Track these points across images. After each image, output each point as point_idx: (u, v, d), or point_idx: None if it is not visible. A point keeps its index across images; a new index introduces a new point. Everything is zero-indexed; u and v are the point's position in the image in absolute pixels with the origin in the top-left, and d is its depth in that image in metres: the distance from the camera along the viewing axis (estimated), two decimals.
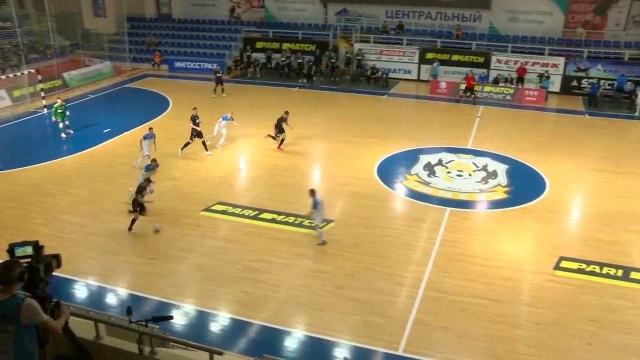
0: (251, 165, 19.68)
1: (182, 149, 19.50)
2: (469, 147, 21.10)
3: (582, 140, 22.45)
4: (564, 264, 13.20)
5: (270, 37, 34.64)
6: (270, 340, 10.58)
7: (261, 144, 20.70)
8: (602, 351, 10.36)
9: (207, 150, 19.80)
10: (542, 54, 30.12)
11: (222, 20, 37.37)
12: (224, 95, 27.87)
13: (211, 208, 15.68)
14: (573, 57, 29.68)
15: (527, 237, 14.57)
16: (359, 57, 32.34)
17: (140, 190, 14.09)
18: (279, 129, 20.13)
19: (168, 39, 36.24)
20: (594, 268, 13.01)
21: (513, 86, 28.85)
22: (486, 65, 30.38)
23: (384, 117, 25.08)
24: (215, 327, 11.03)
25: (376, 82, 30.98)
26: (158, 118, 23.95)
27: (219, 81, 27.93)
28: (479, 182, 17.89)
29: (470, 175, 18.45)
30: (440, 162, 19.24)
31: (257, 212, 15.45)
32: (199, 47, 35.26)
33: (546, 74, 28.85)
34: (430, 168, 18.81)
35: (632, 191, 17.38)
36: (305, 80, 31.11)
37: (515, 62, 29.76)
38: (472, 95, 27.45)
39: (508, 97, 28.42)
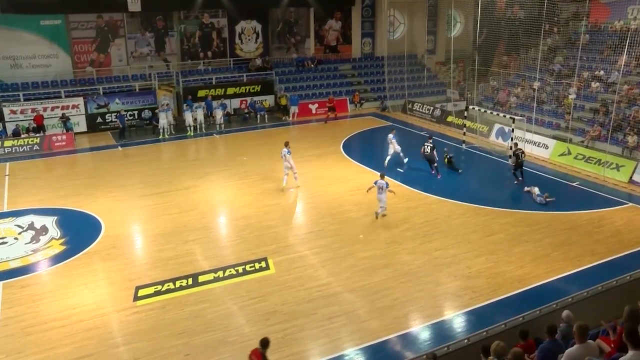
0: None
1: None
2: (5, 210, 18.93)
3: (122, 172, 23.09)
4: (141, 292, 13.33)
5: None
6: None
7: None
8: (200, 356, 10.96)
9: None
10: (60, 97, 29.53)
11: None
12: None
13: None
14: (91, 95, 30.17)
15: (100, 280, 14.08)
16: None
17: None
18: None
19: None
20: (168, 286, 13.60)
21: (38, 135, 27.34)
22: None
23: None
24: None
25: None
26: None
27: None
28: (30, 242, 16.24)
29: (16, 239, 16.55)
30: None
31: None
32: None
33: (66, 117, 28.43)
34: None
35: (179, 206, 18.92)
36: None
37: (33, 110, 28.20)
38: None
39: (36, 147, 26.77)
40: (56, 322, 12.15)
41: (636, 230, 16.58)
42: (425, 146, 21.63)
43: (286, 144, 20.25)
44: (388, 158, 22.81)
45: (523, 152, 21.22)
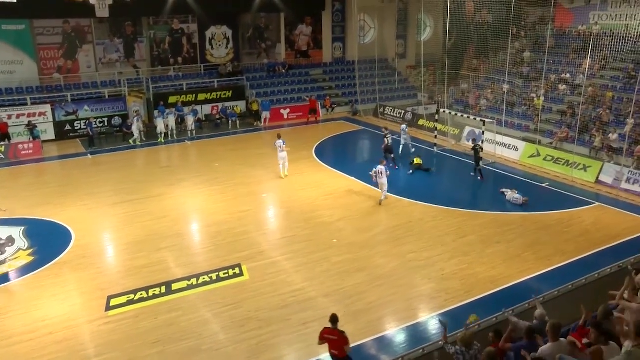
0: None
1: None
2: None
3: (92, 180, 22.66)
4: (113, 302, 13.11)
5: None
6: None
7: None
8: None
9: None
10: (26, 104, 28.86)
11: None
12: None
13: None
14: (58, 102, 29.58)
15: (70, 290, 13.78)
16: None
17: None
18: None
19: None
20: (141, 294, 13.39)
21: (3, 143, 26.66)
22: None
23: None
24: None
25: None
26: None
27: None
28: None
29: None
30: None
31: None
32: None
33: (32, 124, 27.76)
34: None
35: (151, 214, 18.66)
36: None
37: None
38: None
39: (1, 156, 26.09)
40: (23, 335, 11.82)
41: (603, 229, 16.96)
42: (387, 139, 23.34)
43: (279, 136, 22.28)
44: (401, 148, 25.07)
45: (481, 148, 22.64)
